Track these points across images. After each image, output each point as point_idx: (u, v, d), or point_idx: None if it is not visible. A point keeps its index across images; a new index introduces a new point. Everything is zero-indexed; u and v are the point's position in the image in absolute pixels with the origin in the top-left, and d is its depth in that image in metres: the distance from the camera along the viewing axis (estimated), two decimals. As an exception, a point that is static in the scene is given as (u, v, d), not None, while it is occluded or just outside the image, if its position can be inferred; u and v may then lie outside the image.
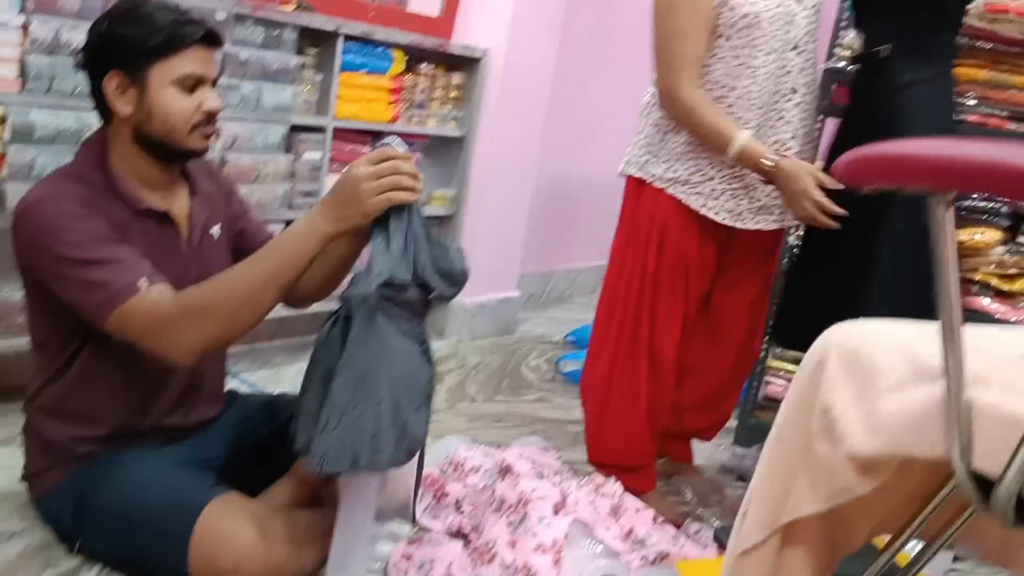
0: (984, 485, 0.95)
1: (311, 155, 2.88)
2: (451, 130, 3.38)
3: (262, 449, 1.88)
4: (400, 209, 1.54)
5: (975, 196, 2.39)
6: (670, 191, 2.17)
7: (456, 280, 1.61)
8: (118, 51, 1.55)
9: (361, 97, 2.99)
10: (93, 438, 1.67)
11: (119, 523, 1.61)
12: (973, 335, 0.98)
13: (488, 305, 3.64)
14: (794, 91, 2.07)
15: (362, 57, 2.96)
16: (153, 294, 1.49)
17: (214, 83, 1.64)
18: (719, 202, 2.13)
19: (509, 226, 3.69)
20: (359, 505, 1.62)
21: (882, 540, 1.30)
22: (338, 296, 1.58)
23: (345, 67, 2.90)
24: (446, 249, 1.60)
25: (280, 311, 2.90)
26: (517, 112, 3.51)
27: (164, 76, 1.55)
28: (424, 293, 1.58)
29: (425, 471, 2.12)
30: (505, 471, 2.15)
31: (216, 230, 1.77)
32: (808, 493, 1.15)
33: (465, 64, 3.36)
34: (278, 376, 2.88)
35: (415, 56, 3.18)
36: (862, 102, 2.13)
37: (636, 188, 2.26)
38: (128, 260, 1.51)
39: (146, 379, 1.68)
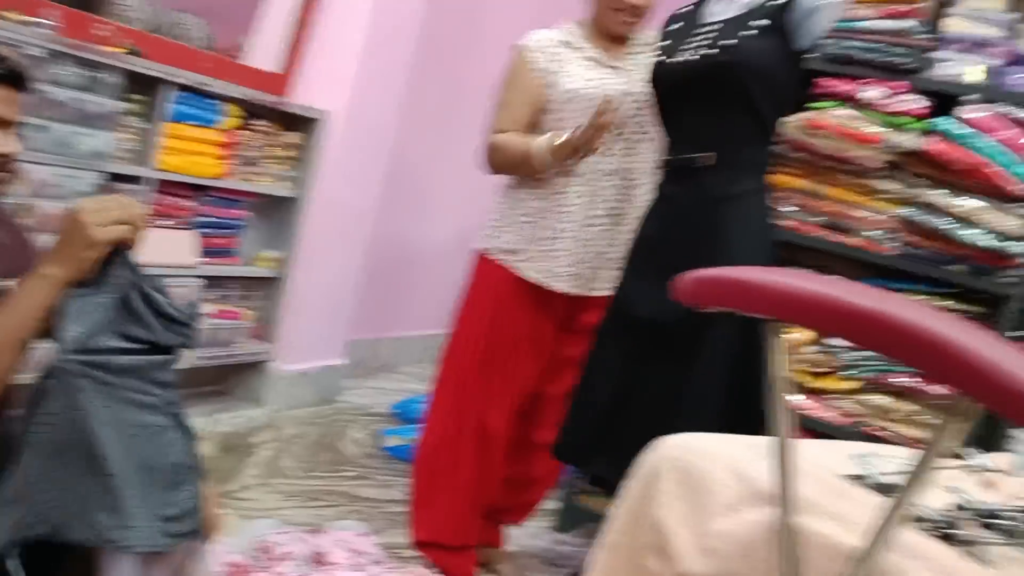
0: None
1: (7, 189, 2.67)
2: (284, 190, 3.26)
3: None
4: (113, 259, 1.41)
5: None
6: (507, 262, 2.22)
7: (185, 323, 1.48)
8: None
9: (188, 149, 2.83)
10: None
11: None
12: (800, 453, 0.99)
13: (310, 372, 3.50)
14: (615, 172, 2.16)
15: (192, 108, 2.81)
16: None
17: (15, 125, 1.48)
18: (560, 268, 2.18)
19: (338, 291, 3.58)
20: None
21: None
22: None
23: (174, 117, 2.74)
24: (164, 295, 1.47)
25: None
26: (354, 176, 3.44)
27: None
28: (160, 353, 1.44)
29: (230, 557, 1.97)
30: (319, 559, 2.03)
31: (13, 285, 1.59)
32: (636, 608, 1.13)
33: (303, 123, 3.26)
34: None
35: (251, 112, 3.05)
36: (676, 210, 2.01)
37: (477, 261, 2.31)
38: None
39: None
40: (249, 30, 3.37)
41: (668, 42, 2.05)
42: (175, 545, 1.40)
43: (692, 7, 2.10)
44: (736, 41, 1.86)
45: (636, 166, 2.21)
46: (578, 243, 2.17)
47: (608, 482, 1.97)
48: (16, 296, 1.40)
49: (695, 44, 1.95)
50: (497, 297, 2.23)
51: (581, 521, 2.89)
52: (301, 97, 3.33)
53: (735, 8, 1.96)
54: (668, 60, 2.00)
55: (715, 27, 1.94)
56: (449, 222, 4.59)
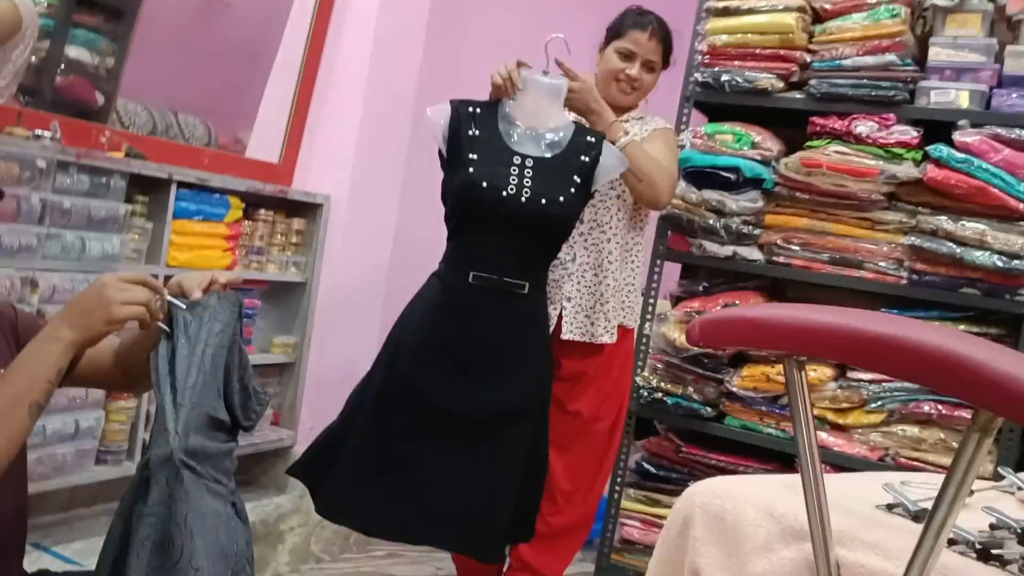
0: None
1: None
2: (292, 275, 3.29)
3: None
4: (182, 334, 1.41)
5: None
6: None
7: (261, 404, 1.49)
8: None
9: (196, 244, 2.87)
10: None
11: None
12: (830, 487, 0.98)
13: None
14: (585, 220, 2.36)
15: (196, 204, 2.86)
16: None
17: None
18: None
19: (355, 369, 3.55)
20: None
21: None
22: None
23: (178, 214, 2.78)
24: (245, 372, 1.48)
25: (100, 474, 2.68)
26: (360, 255, 3.47)
27: None
28: (229, 438, 1.44)
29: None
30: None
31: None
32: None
33: (306, 209, 3.31)
34: (98, 547, 2.61)
35: (253, 202, 3.10)
36: (479, 318, 2.25)
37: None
38: None
39: None
40: (248, 125, 3.44)
41: (473, 155, 2.20)
42: None
43: (482, 110, 2.26)
44: (562, 199, 2.16)
45: (603, 220, 2.38)
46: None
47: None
48: (25, 358, 1.40)
49: (514, 178, 2.17)
50: None
51: (617, 581, 2.85)
52: (302, 184, 3.38)
53: (541, 147, 2.23)
54: (485, 185, 2.15)
55: (528, 166, 2.18)
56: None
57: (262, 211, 3.14)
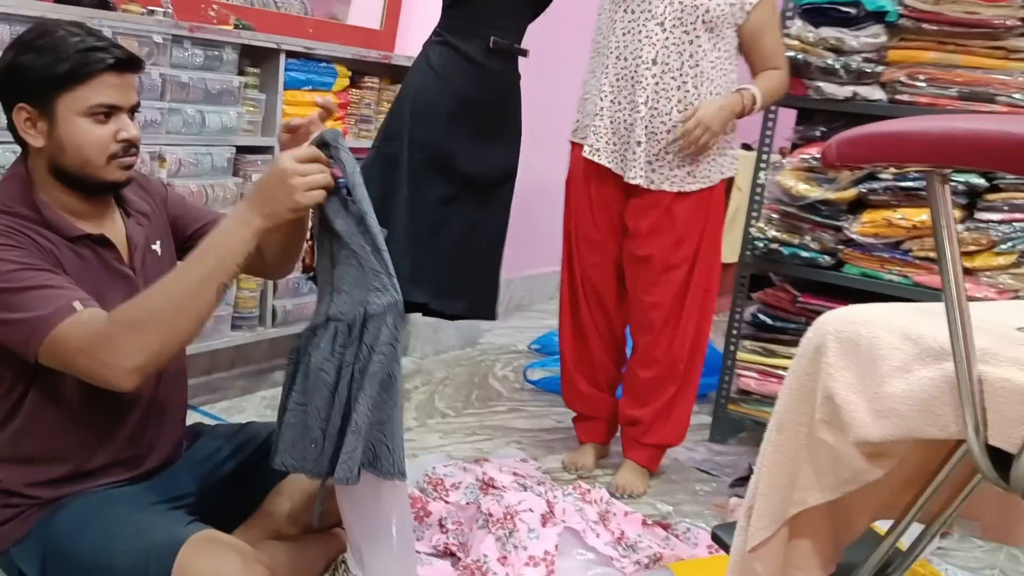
0: (999, 461, 0.94)
1: (259, 177, 2.80)
2: (400, 143, 3.33)
3: (232, 482, 1.80)
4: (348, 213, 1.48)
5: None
6: (574, 139, 2.57)
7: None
8: (23, 82, 1.46)
9: (306, 114, 2.91)
10: (51, 481, 1.58)
11: (92, 573, 1.53)
12: (972, 312, 0.96)
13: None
14: (654, 62, 2.26)
15: (305, 73, 2.90)
16: (86, 316, 1.40)
17: (134, 109, 1.55)
18: (599, 143, 2.40)
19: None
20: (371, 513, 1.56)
21: (879, 526, 1.29)
22: (328, 313, 1.49)
23: (288, 85, 2.83)
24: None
25: (236, 339, 2.84)
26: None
27: (72, 107, 1.46)
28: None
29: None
30: (487, 485, 2.10)
31: (157, 246, 1.69)
32: (814, 482, 1.13)
33: (410, 75, 3.31)
34: (240, 406, 2.80)
35: (358, 70, 3.12)
36: (494, 82, 2.55)
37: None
38: (57, 286, 1.43)
39: (100, 413, 1.59)
40: (338, 2, 3.41)
41: None
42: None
43: None
44: None
45: (675, 64, 2.27)
46: (615, 123, 2.34)
47: (424, 307, 2.56)
48: (214, 241, 1.46)
49: None
50: (572, 176, 2.57)
51: (734, 430, 2.90)
52: (404, 49, 3.37)
53: None
54: None
55: None
56: (565, 152, 4.58)
57: (367, 78, 3.16)
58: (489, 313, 2.73)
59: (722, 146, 2.36)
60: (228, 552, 1.50)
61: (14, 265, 1.41)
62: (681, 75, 2.25)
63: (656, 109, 2.27)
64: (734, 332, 2.83)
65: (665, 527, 2.11)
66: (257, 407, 2.81)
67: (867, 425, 1.03)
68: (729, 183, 2.51)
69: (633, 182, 2.31)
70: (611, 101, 2.33)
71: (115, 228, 1.61)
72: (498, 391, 3.20)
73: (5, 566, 1.65)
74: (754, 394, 2.80)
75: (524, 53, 2.52)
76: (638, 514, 2.08)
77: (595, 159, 2.36)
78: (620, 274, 2.48)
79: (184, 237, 1.78)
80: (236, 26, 2.72)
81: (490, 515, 1.90)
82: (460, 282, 2.59)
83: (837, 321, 1.12)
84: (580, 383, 2.58)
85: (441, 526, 1.98)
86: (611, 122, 2.33)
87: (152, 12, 2.48)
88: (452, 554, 1.91)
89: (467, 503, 2.04)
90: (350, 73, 3.07)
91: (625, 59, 2.29)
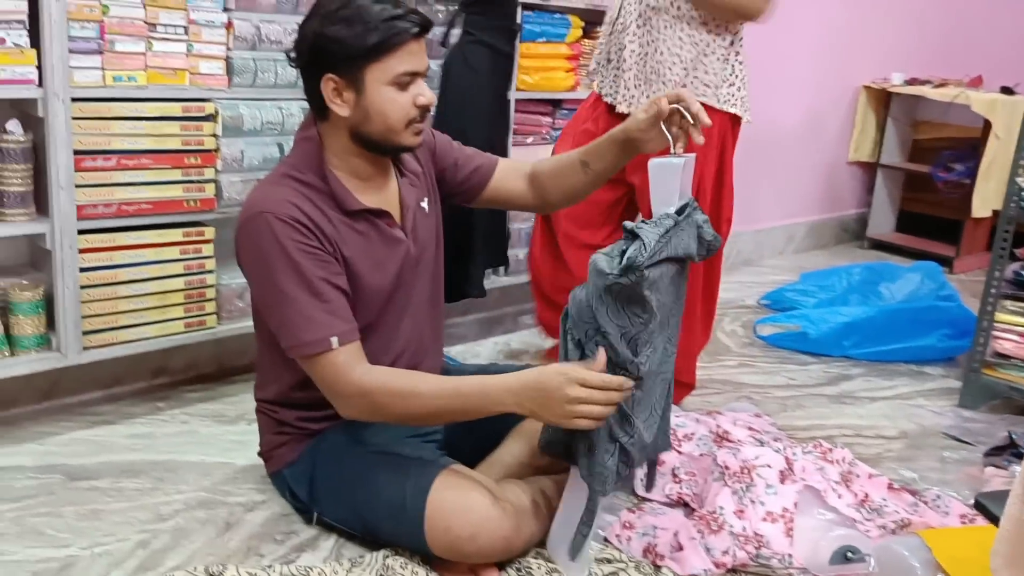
0: None
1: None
2: (631, 93, 3.29)
3: (474, 421, 1.89)
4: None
5: None
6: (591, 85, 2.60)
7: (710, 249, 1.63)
8: (332, 54, 1.52)
9: (542, 67, 2.95)
10: (321, 418, 1.72)
11: (353, 496, 1.66)
12: None
13: (677, 271, 3.55)
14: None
15: (540, 26, 2.92)
16: (340, 358, 1.52)
17: (424, 73, 1.60)
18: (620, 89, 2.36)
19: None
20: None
21: None
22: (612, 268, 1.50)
23: (524, 37, 2.87)
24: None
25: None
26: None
27: (380, 77, 1.52)
28: None
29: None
30: (722, 438, 2.08)
31: (425, 203, 1.78)
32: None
33: (642, 24, 3.26)
34: (475, 351, 2.91)
35: (591, 19, 3.11)
36: (506, 66, 2.69)
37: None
38: (325, 312, 1.53)
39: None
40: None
41: None
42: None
43: None
44: None
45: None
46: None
47: None
48: (470, 396, 1.53)
49: None
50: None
51: (988, 396, 2.69)
52: (638, -3, 3.31)
53: None
54: None
55: None
56: (798, 101, 4.38)
57: (598, 28, 3.14)
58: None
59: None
60: (477, 487, 1.58)
61: (299, 274, 1.52)
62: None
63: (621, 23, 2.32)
64: (992, 291, 2.61)
65: (913, 493, 1.99)
66: (491, 352, 2.91)
67: None
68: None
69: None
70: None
71: (390, 192, 1.71)
72: (726, 345, 3.14)
73: (279, 485, 1.82)
74: (1013, 358, 2.58)
75: (519, 30, 2.66)
76: (884, 477, 1.98)
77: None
78: None
79: (456, 183, 1.86)
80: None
81: (726, 468, 1.88)
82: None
83: None
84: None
85: (674, 475, 1.97)
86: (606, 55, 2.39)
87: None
88: (685, 504, 1.90)
89: (700, 454, 2.03)
90: (583, 23, 3.06)
91: None
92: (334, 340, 1.51)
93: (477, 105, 2.51)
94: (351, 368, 1.52)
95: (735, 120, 2.37)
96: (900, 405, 2.71)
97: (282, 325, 1.55)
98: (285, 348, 1.55)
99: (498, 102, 2.70)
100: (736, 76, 2.34)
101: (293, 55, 1.60)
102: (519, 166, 1.88)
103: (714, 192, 2.37)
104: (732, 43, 2.31)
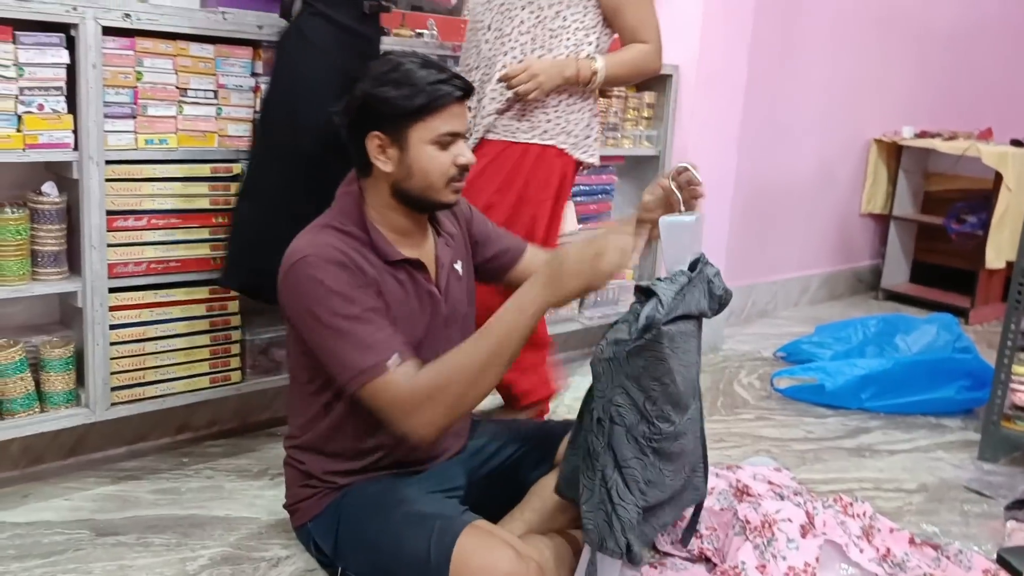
0: None
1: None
2: (645, 149, 3.36)
3: (496, 477, 1.91)
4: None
5: None
6: None
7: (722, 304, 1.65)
8: (380, 113, 1.60)
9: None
10: (347, 471, 1.75)
11: (377, 551, 1.67)
12: None
13: (692, 323, 3.57)
14: (489, 28, 2.33)
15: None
16: (398, 375, 1.54)
17: (465, 135, 1.68)
18: None
19: (709, 242, 3.60)
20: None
21: None
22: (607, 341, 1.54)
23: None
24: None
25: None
26: (711, 124, 3.45)
27: (423, 136, 1.60)
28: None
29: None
30: (742, 492, 2.09)
31: (459, 266, 1.83)
32: None
33: (655, 82, 3.33)
34: (498, 400, 2.93)
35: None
36: (363, 46, 2.22)
37: None
38: (381, 337, 1.56)
39: None
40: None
41: None
42: None
43: None
44: None
45: (507, 29, 2.31)
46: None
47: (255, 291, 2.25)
48: (503, 318, 1.53)
49: None
50: None
51: (1008, 448, 2.69)
52: (651, 57, 3.40)
53: None
54: None
55: None
56: (810, 154, 4.44)
57: (614, 88, 3.21)
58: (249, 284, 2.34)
59: (551, 106, 2.34)
60: (502, 544, 1.59)
61: (349, 308, 1.56)
62: (509, 40, 2.29)
63: (488, 75, 2.32)
64: (1008, 343, 2.62)
65: (935, 547, 1.99)
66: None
67: None
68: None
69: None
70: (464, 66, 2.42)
71: (427, 248, 1.77)
72: (744, 398, 3.15)
73: (304, 539, 1.84)
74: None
75: (388, 8, 2.29)
76: (905, 532, 1.99)
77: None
78: None
79: (483, 260, 1.92)
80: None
81: (747, 522, 1.88)
82: None
83: None
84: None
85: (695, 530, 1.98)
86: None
87: (420, 34, 2.67)
88: (707, 559, 1.91)
89: (721, 508, 2.04)
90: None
91: (472, 26, 2.39)
92: (391, 361, 1.54)
93: (309, 83, 2.14)
94: (409, 379, 1.54)
95: (579, 165, 2.46)
96: (919, 458, 2.71)
97: (337, 360, 1.57)
98: (345, 383, 1.57)
99: (349, 84, 2.25)
100: (592, 129, 2.44)
101: (342, 113, 1.67)
102: (544, 254, 1.93)
103: (546, 232, 2.42)
104: (595, 100, 2.45)
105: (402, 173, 1.63)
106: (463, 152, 1.65)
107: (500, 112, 2.32)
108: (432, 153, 1.61)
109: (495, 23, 2.31)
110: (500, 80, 2.27)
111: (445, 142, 1.62)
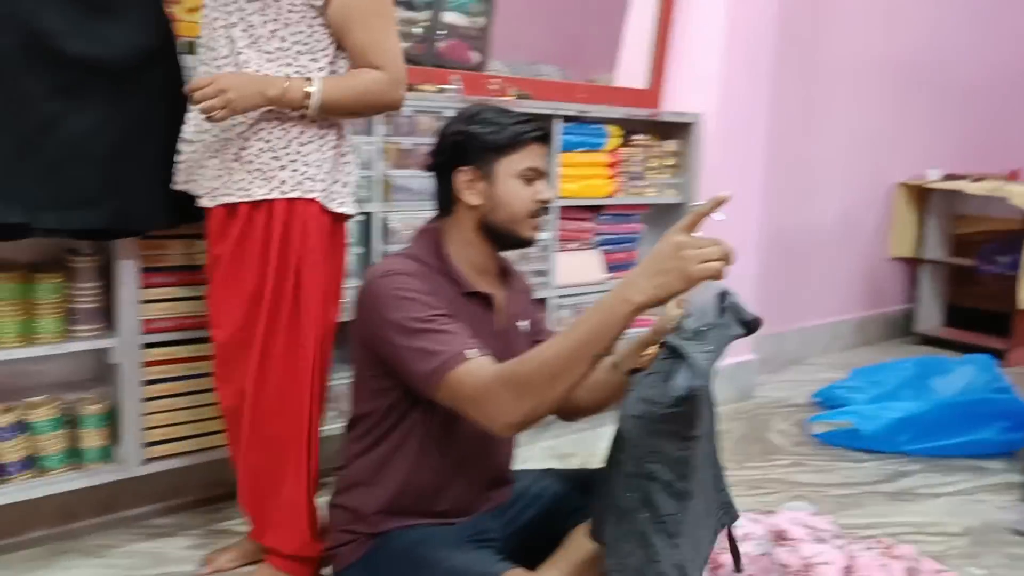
0: None
1: (540, 235, 2.94)
2: (670, 197, 3.38)
3: (530, 527, 1.89)
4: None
5: None
6: None
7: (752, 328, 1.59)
8: (468, 149, 1.73)
9: (582, 175, 3.05)
10: (390, 509, 1.75)
11: (413, 600, 1.65)
12: None
13: (725, 371, 3.54)
14: (201, 46, 1.93)
15: (579, 136, 3.03)
16: (478, 364, 1.55)
17: (545, 174, 1.79)
18: None
19: (736, 288, 3.60)
20: None
21: None
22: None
23: (564, 147, 2.97)
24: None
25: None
26: (735, 172, 3.47)
27: (509, 170, 1.72)
28: None
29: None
30: (779, 537, 2.05)
31: (524, 324, 1.86)
32: None
33: (678, 130, 3.37)
34: (524, 455, 2.90)
35: (630, 129, 3.22)
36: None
37: None
38: (457, 331, 1.61)
39: (454, 459, 1.76)
40: (607, 68, 3.53)
41: None
42: None
43: None
44: None
45: (222, 50, 1.88)
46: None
47: (24, 228, 1.89)
48: (593, 314, 1.49)
49: None
50: None
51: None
52: (672, 105, 3.44)
53: None
54: None
55: None
56: (834, 200, 4.44)
57: (638, 136, 3.25)
58: (150, 221, 2.06)
59: (255, 155, 1.88)
60: (536, 594, 1.57)
61: (424, 306, 1.62)
62: (224, 63, 1.86)
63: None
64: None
65: (984, 590, 1.94)
66: (541, 454, 2.91)
67: None
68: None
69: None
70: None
71: (499, 294, 1.83)
72: (779, 445, 3.11)
73: (340, 586, 1.82)
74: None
75: None
76: (952, 573, 1.93)
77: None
78: None
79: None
80: (516, 96, 2.91)
81: (786, 567, 1.85)
82: (91, 188, 1.93)
83: None
84: None
85: (733, 577, 1.94)
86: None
87: (443, 90, 2.72)
88: (747, 606, 1.87)
89: (759, 555, 2.00)
90: (623, 132, 3.17)
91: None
92: (471, 351, 1.55)
93: None
94: (488, 370, 1.53)
95: (341, 218, 2.01)
96: (962, 501, 2.65)
97: (417, 357, 1.58)
98: (425, 379, 1.57)
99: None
100: (341, 172, 1.99)
101: (430, 155, 1.80)
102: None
103: (325, 301, 2.00)
104: (340, 135, 1.99)
105: (489, 205, 1.73)
106: (544, 190, 1.76)
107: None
108: (516, 186, 1.73)
109: (208, 42, 1.90)
110: (186, 93, 1.83)
111: (529, 177, 1.73)
